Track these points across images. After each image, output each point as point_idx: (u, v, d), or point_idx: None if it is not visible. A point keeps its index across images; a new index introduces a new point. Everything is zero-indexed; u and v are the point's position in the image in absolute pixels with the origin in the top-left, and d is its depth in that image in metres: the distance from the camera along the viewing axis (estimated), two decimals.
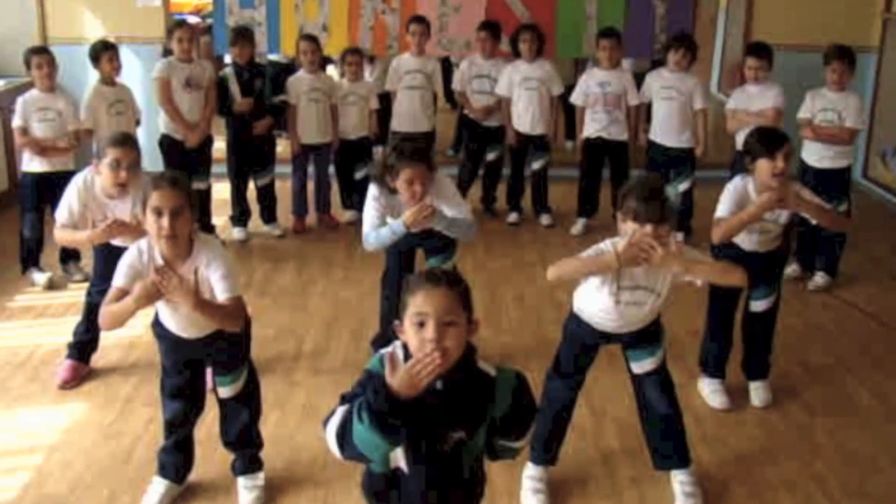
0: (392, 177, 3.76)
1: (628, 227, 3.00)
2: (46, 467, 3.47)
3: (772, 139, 3.68)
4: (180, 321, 3.06)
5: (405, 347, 2.11)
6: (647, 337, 3.26)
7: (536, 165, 6.46)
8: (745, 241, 3.87)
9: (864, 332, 4.83)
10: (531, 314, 4.94)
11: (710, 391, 4.06)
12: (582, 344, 3.33)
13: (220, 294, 2.94)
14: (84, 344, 4.18)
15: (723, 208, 3.73)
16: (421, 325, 2.02)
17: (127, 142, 3.68)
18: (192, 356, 3.19)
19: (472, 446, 2.19)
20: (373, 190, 3.91)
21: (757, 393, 4.05)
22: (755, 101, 5.50)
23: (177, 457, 3.30)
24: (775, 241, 3.92)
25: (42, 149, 5.00)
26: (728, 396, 4.02)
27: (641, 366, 3.30)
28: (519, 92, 6.26)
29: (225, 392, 3.27)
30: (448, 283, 2.07)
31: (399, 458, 2.20)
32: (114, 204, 3.75)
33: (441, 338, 2.00)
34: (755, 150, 3.69)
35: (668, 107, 5.91)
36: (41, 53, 5.11)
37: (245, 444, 3.35)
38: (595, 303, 3.17)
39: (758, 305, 4.05)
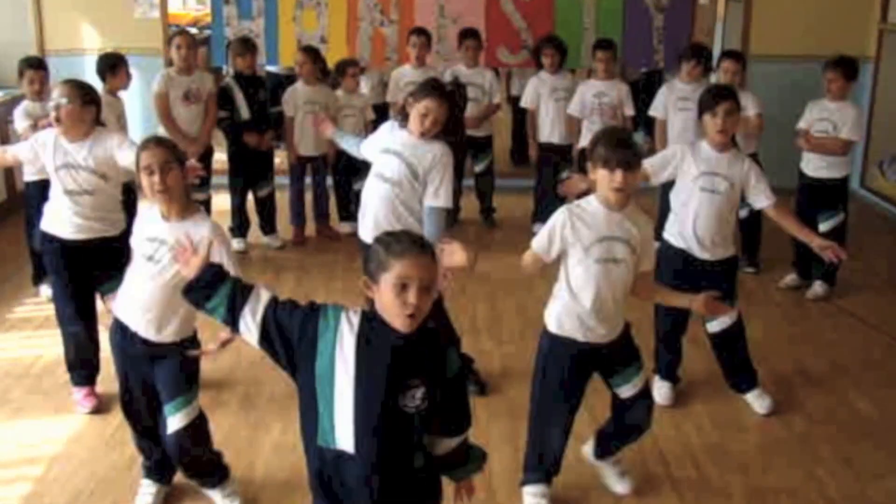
0: (410, 102, 3.78)
1: (599, 176, 3.01)
2: (47, 478, 3.47)
3: (714, 94, 3.83)
4: (143, 311, 3.07)
5: (368, 309, 2.23)
6: (629, 352, 3.23)
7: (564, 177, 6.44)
8: (693, 243, 3.86)
9: (863, 341, 4.83)
10: (532, 325, 4.91)
11: (656, 388, 4.04)
12: (562, 382, 3.22)
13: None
14: (88, 371, 4.06)
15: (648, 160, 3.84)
16: (403, 287, 2.11)
17: None
18: (136, 368, 3.17)
19: (426, 420, 2.22)
20: (387, 123, 4.05)
21: (756, 402, 4.05)
22: None
23: (156, 460, 3.30)
24: (726, 244, 3.89)
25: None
26: (673, 393, 4.07)
27: (633, 385, 3.23)
28: (548, 104, 6.30)
29: (175, 422, 3.12)
30: (432, 252, 2.19)
31: (346, 434, 2.20)
32: (73, 146, 3.78)
33: (420, 303, 2.11)
34: (702, 105, 3.83)
35: (685, 118, 5.84)
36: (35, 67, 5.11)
37: (208, 475, 3.30)
38: (579, 297, 3.09)
39: (714, 325, 4.01)
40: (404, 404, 2.18)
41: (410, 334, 2.16)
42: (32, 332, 4.79)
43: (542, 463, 3.31)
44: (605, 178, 2.99)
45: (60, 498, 3.35)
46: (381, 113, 6.52)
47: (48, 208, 3.89)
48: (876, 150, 7.26)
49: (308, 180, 6.34)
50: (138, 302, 3.10)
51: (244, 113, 5.92)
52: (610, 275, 3.06)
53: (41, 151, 3.81)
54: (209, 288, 2.35)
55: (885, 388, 4.31)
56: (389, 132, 3.93)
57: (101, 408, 3.98)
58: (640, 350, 3.28)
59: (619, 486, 3.42)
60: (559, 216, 3.07)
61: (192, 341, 3.22)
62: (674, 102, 5.92)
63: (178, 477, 3.37)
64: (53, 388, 4.15)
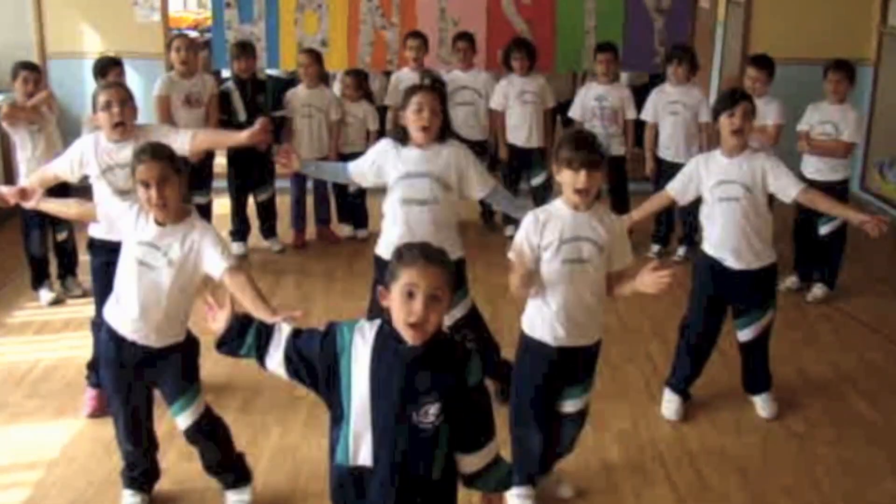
0: (401, 114, 3.74)
1: (564, 177, 3.02)
2: (46, 483, 3.47)
3: (729, 97, 3.82)
4: (139, 319, 3.04)
5: (387, 320, 2.23)
6: (588, 370, 3.24)
7: (537, 181, 6.39)
8: (726, 252, 3.83)
9: (862, 344, 4.83)
10: None
11: (666, 401, 4.05)
12: (536, 386, 3.21)
13: (221, 262, 2.99)
14: None
15: (672, 183, 3.94)
16: (410, 295, 2.15)
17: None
18: (137, 377, 3.16)
19: (444, 433, 2.22)
20: (382, 143, 3.87)
21: (763, 405, 4.05)
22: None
23: (143, 469, 3.32)
24: (766, 254, 3.86)
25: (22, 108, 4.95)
26: (683, 408, 4.02)
27: (574, 404, 3.25)
28: (514, 106, 6.25)
29: (183, 421, 3.19)
30: (442, 262, 2.22)
31: (365, 449, 2.22)
32: (118, 146, 3.70)
33: (427, 311, 2.14)
34: (717, 110, 3.82)
35: (674, 121, 5.85)
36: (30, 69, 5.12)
37: (225, 471, 3.32)
38: (548, 299, 3.11)
39: (745, 334, 4.00)
40: (418, 420, 2.19)
41: (426, 347, 2.18)
42: (31, 336, 4.78)
43: (523, 466, 3.26)
44: (568, 179, 3.01)
45: (59, 503, 3.35)
46: (380, 116, 6.50)
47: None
48: (876, 153, 7.25)
49: (309, 184, 6.33)
50: (136, 311, 3.04)
51: (241, 116, 5.91)
52: (577, 275, 3.07)
53: (81, 161, 3.70)
54: (239, 338, 2.41)
55: (885, 390, 4.31)
56: (395, 155, 3.74)
57: (99, 412, 3.97)
58: (595, 373, 3.28)
59: (562, 491, 3.41)
60: (526, 222, 3.10)
61: (191, 340, 3.20)
62: (664, 106, 5.92)
63: (159, 486, 3.38)
64: (52, 393, 4.15)
